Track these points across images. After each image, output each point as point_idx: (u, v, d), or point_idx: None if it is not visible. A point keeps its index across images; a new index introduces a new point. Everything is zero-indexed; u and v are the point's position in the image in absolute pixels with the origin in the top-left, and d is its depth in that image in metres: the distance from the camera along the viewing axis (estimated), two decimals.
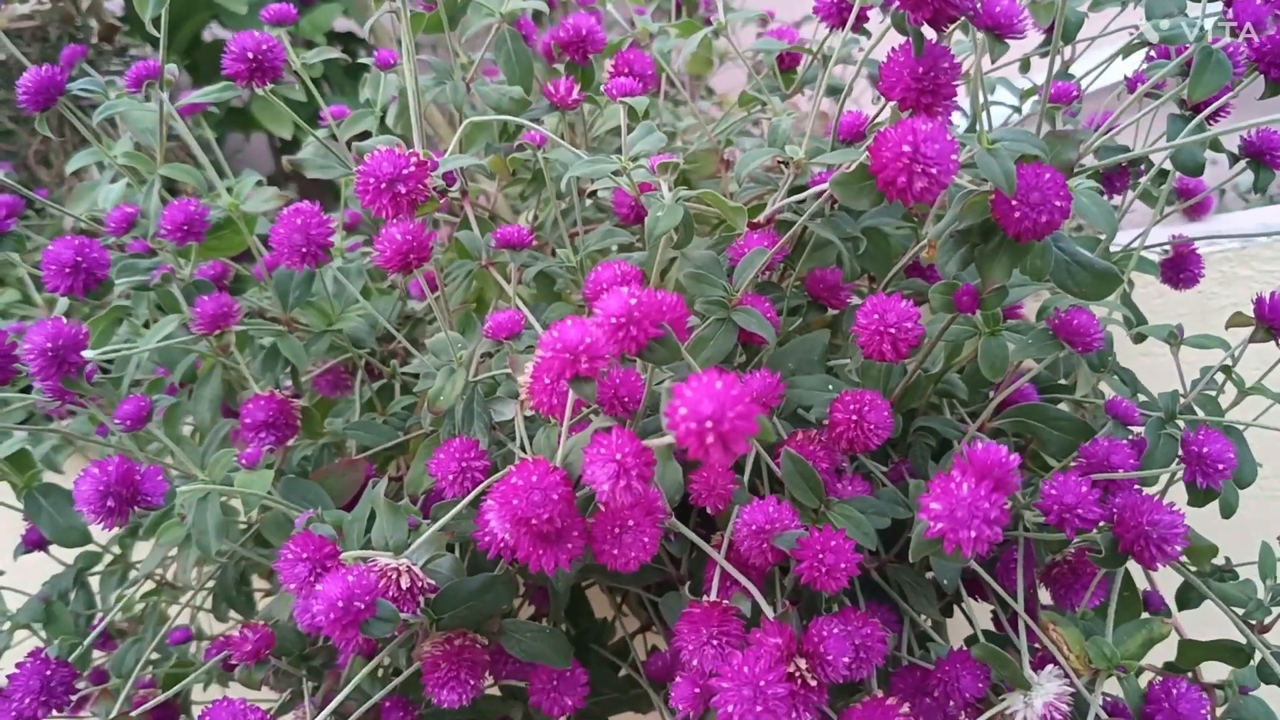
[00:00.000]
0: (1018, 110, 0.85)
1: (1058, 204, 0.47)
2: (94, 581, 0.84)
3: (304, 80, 0.73)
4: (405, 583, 0.52)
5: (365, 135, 0.75)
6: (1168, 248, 0.80)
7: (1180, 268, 0.79)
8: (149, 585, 0.84)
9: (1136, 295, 0.87)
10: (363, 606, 0.47)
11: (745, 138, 0.96)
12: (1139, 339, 0.71)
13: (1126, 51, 0.69)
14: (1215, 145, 0.64)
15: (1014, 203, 0.47)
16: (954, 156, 0.44)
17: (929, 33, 0.48)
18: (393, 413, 0.75)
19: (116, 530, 0.61)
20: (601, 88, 0.61)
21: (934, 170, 0.43)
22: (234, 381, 0.74)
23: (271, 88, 0.65)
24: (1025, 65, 0.88)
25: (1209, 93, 0.49)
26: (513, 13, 0.71)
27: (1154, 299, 0.94)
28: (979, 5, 0.46)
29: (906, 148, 0.43)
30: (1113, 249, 0.80)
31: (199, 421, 0.72)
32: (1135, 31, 0.66)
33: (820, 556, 0.51)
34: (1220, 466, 0.53)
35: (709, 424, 0.39)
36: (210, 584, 0.83)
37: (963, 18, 0.46)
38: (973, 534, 0.43)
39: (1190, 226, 1.03)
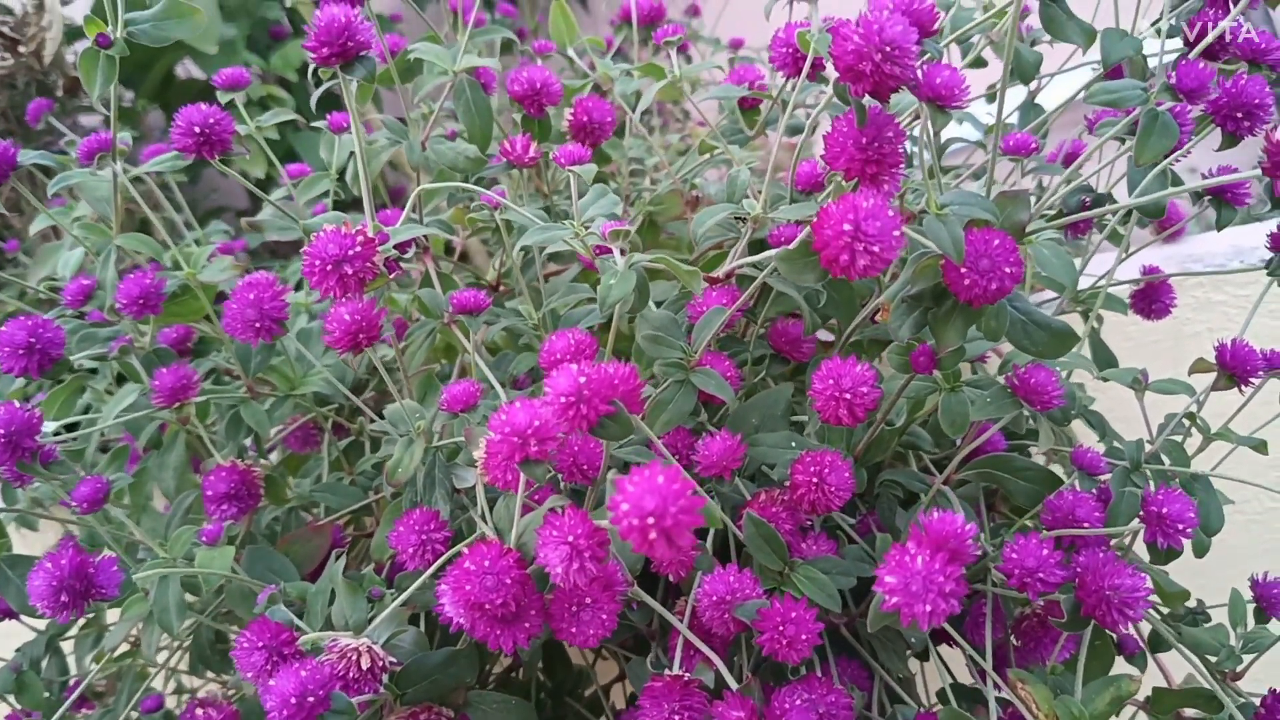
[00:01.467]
0: (982, 146, 0.84)
1: (1008, 270, 0.47)
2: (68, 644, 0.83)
3: (261, 143, 0.72)
4: (365, 663, 0.52)
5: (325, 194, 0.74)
6: (1139, 279, 0.79)
7: (1152, 299, 0.79)
8: (125, 646, 0.83)
9: (1112, 320, 0.86)
10: (316, 700, 0.46)
11: (715, 169, 0.96)
12: (1106, 380, 0.70)
13: (1089, 97, 0.69)
14: (1176, 181, 0.64)
15: (963, 270, 0.47)
16: (896, 233, 0.43)
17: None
18: (361, 471, 0.75)
19: None
20: (552, 156, 0.61)
21: (876, 249, 0.43)
22: (198, 447, 0.74)
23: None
24: (992, 96, 0.87)
25: (1155, 156, 0.49)
26: (469, 68, 0.70)
27: (1128, 325, 0.93)
28: (920, 76, 0.45)
29: (848, 226, 0.43)
30: (1082, 283, 0.79)
31: (164, 489, 0.71)
32: (1098, 67, 0.65)
33: (781, 628, 0.51)
34: (1181, 526, 0.52)
35: (651, 520, 0.38)
36: (188, 641, 0.82)
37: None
38: (928, 608, 0.42)
39: (1167, 248, 1.03)
